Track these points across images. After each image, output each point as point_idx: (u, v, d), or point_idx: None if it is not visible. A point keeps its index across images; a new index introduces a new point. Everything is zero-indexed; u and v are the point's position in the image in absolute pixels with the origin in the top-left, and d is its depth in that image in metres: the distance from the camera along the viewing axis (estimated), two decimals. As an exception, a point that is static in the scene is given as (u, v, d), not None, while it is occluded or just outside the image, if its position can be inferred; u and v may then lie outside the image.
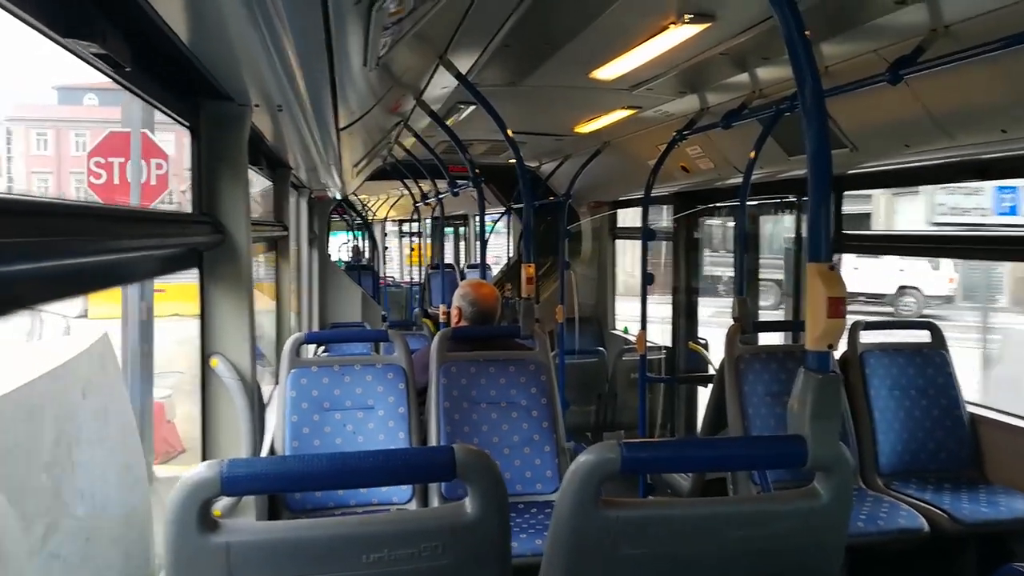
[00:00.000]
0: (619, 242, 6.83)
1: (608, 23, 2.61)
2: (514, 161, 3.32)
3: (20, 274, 0.83)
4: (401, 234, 10.87)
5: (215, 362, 1.99)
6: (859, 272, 13.39)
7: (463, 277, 10.27)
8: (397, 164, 6.50)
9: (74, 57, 1.10)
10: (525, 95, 3.82)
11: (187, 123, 1.82)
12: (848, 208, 3.90)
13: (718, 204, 5.02)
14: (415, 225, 11.05)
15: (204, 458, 2.04)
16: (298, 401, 2.85)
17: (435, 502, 2.78)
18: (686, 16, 2.49)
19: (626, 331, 6.37)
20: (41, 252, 0.89)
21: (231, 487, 1.11)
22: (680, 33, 2.64)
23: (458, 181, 5.89)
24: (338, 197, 7.68)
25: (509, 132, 3.19)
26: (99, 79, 1.31)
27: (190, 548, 1.12)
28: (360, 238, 13.18)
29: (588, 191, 6.27)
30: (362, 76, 2.07)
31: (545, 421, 2.93)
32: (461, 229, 13.05)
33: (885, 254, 11.11)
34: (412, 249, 11.30)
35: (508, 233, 9.59)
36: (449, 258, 12.62)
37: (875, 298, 14.15)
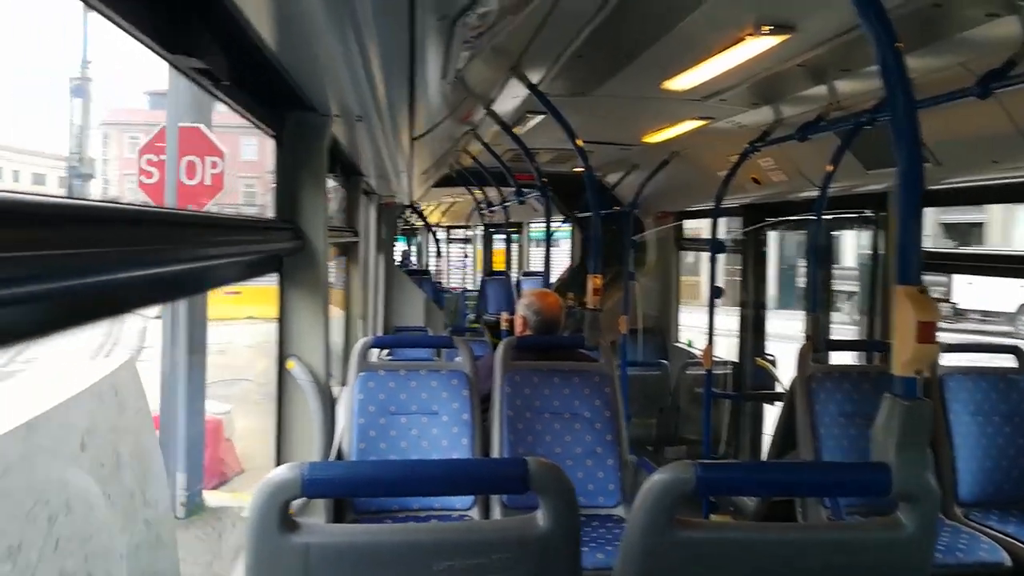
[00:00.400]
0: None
1: (684, 34, 2.59)
2: (579, 170, 3.32)
3: (115, 283, 0.85)
4: (450, 240, 10.97)
5: (291, 364, 2.04)
6: (973, 287, 12.60)
7: (518, 285, 10.31)
8: (463, 171, 6.57)
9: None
10: (594, 105, 3.82)
11: (272, 132, 1.88)
12: (954, 217, 3.76)
13: (792, 217, 4.91)
14: (463, 231, 11.13)
15: (278, 457, 2.10)
16: (366, 404, 2.90)
17: (497, 510, 2.79)
18: (765, 27, 2.45)
19: (690, 344, 6.28)
20: (136, 260, 0.92)
21: (311, 489, 1.14)
22: (757, 45, 2.60)
23: (523, 189, 5.92)
24: (405, 203, 7.81)
25: (579, 142, 3.19)
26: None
27: (270, 547, 1.16)
28: (406, 243, 13.31)
29: (654, 201, 6.21)
30: (439, 88, 2.11)
31: (608, 434, 2.91)
32: (514, 236, 13.10)
33: (973, 274, 10.60)
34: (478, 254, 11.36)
35: (571, 242, 9.57)
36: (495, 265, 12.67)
37: (991, 316, 13.24)
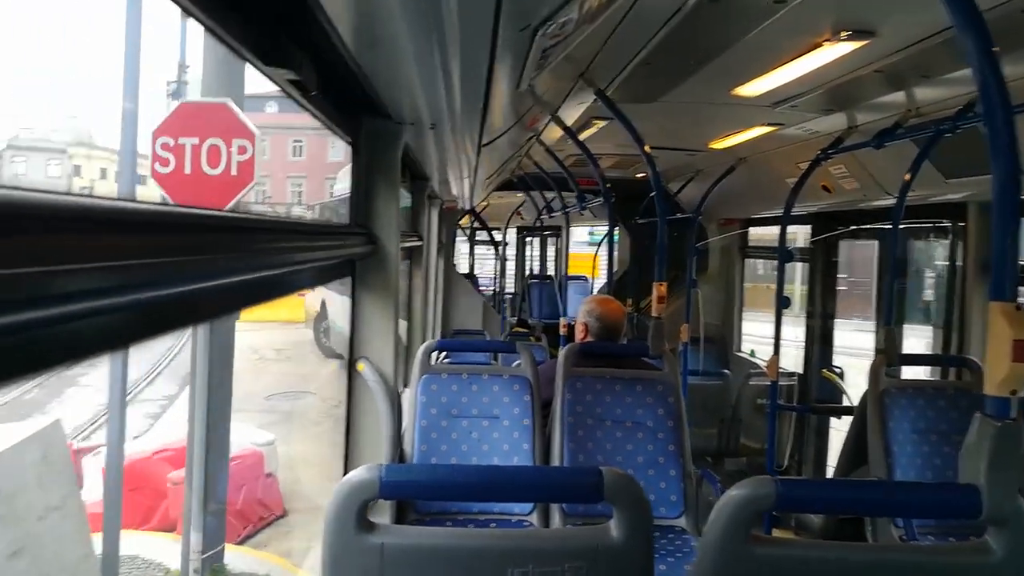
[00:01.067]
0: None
1: (758, 40, 2.55)
2: (641, 176, 3.30)
3: (197, 292, 0.84)
4: (494, 243, 11.01)
5: (361, 366, 2.08)
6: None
7: (562, 289, 10.23)
8: (524, 176, 6.59)
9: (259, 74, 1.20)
10: (661, 111, 3.79)
11: (349, 139, 1.92)
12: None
13: (865, 227, 4.77)
14: (507, 234, 11.11)
15: (347, 457, 2.14)
16: (428, 406, 2.93)
17: (556, 517, 2.79)
18: (843, 33, 2.39)
19: (752, 354, 6.16)
20: (217, 267, 0.90)
21: (388, 491, 1.16)
22: (834, 51, 2.55)
23: (584, 194, 5.90)
24: (466, 208, 7.87)
25: (646, 147, 3.17)
26: (275, 88, 1.37)
27: (347, 546, 1.19)
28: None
29: (718, 208, 6.12)
30: (511, 96, 2.12)
31: (671, 444, 2.88)
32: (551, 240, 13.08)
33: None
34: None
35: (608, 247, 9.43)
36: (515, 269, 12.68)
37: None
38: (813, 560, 1.16)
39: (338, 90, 1.68)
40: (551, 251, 12.70)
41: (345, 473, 2.29)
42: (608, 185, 4.08)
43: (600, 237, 9.30)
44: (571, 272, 7.93)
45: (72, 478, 4.87)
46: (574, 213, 7.75)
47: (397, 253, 2.10)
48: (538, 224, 10.27)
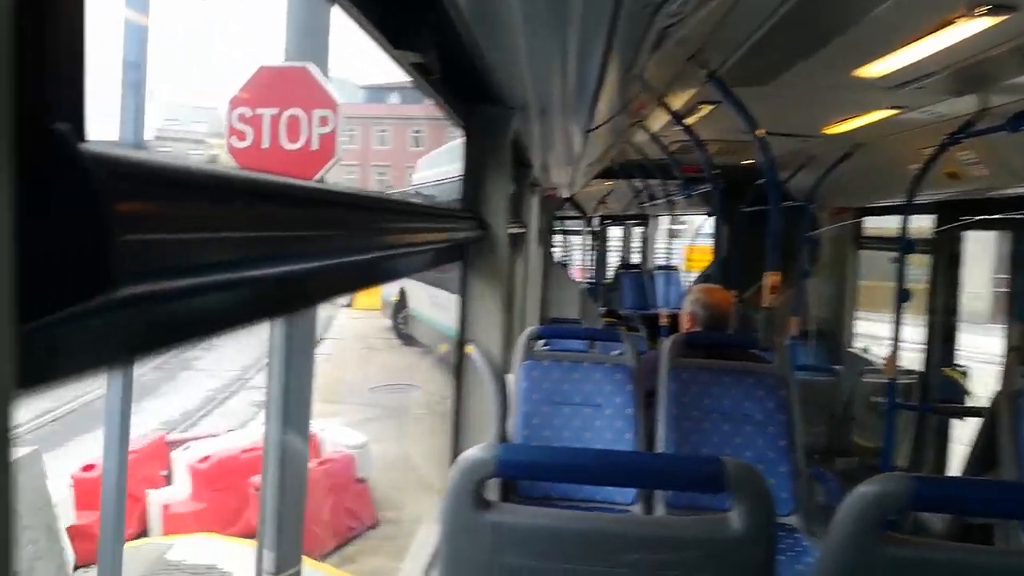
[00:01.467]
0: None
1: (883, 18, 2.41)
2: (749, 162, 3.19)
3: (314, 271, 0.81)
4: (593, 232, 10.93)
5: (470, 349, 2.12)
6: None
7: (652, 278, 10.03)
8: (625, 163, 6.51)
9: (378, 62, 1.22)
10: (773, 94, 3.64)
11: (463, 124, 1.95)
12: None
13: (996, 216, 4.45)
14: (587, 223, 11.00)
15: (455, 439, 2.19)
16: (530, 392, 2.95)
17: (660, 508, 2.75)
18: (979, 9, 2.23)
19: (866, 351, 5.87)
20: (342, 246, 0.88)
21: (505, 470, 1.18)
22: (968, 27, 2.38)
23: (689, 182, 5.77)
24: (565, 196, 7.86)
25: (759, 132, 3.06)
26: (399, 79, 1.39)
27: (463, 523, 1.21)
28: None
29: (831, 196, 5.85)
30: (622, 81, 2.10)
31: (782, 439, 2.79)
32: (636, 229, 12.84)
33: None
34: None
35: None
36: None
37: None
38: (949, 563, 1.10)
39: (455, 76, 1.70)
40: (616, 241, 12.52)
41: (454, 455, 2.34)
42: (717, 171, 3.97)
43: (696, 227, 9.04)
44: (694, 266, 7.77)
45: (53, 520, 4.52)
46: (658, 204, 7.62)
47: (506, 238, 2.12)
48: (636, 211, 10.13)
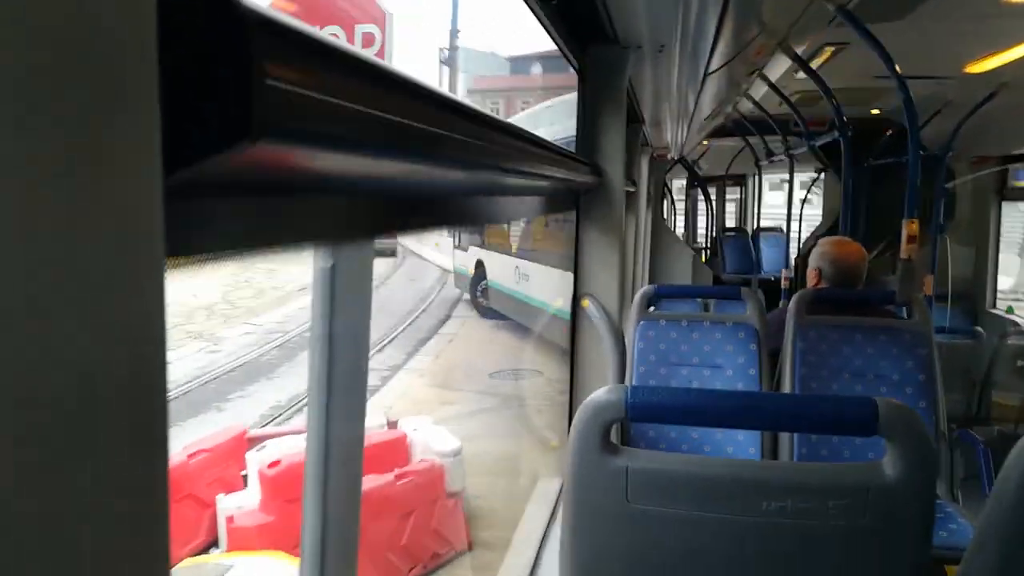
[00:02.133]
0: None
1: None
2: (876, 112, 2.93)
3: (444, 188, 0.79)
4: (706, 196, 10.55)
5: (586, 302, 2.06)
6: None
7: (755, 241, 9.56)
8: (740, 119, 6.21)
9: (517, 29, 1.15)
10: (908, 30, 3.34)
11: (576, 65, 1.87)
12: None
13: None
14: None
15: (572, 396, 2.14)
16: (645, 353, 2.86)
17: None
18: None
19: (1010, 311, 5.39)
20: (458, 155, 0.78)
21: (634, 412, 1.12)
22: None
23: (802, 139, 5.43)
24: (675, 157, 7.61)
25: (899, 68, 2.81)
26: (542, 48, 1.31)
27: (591, 467, 1.16)
28: None
29: (970, 144, 5.38)
30: (744, 14, 1.96)
31: (922, 400, 2.58)
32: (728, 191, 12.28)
33: None
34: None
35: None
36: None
37: None
38: None
39: (569, 12, 1.63)
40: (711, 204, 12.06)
41: (571, 412, 2.30)
42: (845, 118, 3.69)
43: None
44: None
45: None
46: (776, 160, 7.23)
47: (622, 187, 2.03)
48: (736, 172, 9.73)
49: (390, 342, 11.34)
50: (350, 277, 1.04)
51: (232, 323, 12.57)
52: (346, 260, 1.03)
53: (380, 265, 20.66)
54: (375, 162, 0.56)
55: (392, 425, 5.43)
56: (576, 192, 1.94)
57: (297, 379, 9.24)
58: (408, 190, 0.76)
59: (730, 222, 12.44)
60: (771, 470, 1.14)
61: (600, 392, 1.15)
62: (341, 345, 1.06)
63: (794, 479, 1.10)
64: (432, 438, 5.13)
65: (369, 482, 4.28)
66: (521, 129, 1.10)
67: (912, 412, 1.05)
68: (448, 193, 0.86)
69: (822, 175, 8.06)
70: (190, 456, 4.65)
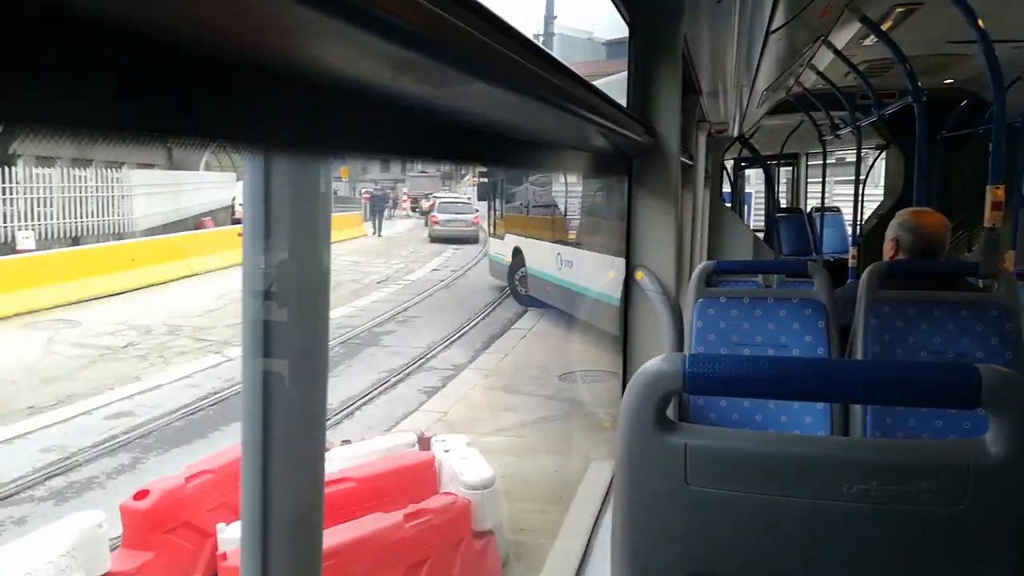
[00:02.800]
0: None
1: None
2: (949, 82, 2.70)
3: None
4: (767, 174, 10.24)
5: (640, 275, 1.93)
6: None
7: (811, 221, 9.26)
8: (803, 92, 5.93)
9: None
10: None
11: (627, 18, 1.74)
12: None
13: None
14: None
15: (624, 373, 2.02)
16: (704, 332, 2.71)
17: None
18: None
19: None
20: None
21: (693, 384, 0.99)
22: None
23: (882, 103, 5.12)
24: (733, 135, 7.35)
25: (981, 22, 2.59)
26: None
27: (645, 445, 1.04)
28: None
29: None
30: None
31: None
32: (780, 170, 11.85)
33: None
34: None
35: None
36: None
37: None
38: None
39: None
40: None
41: (624, 392, 2.17)
42: (920, 83, 3.45)
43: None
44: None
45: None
46: (841, 133, 6.90)
47: (678, 152, 1.90)
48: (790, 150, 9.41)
49: (461, 336, 10.91)
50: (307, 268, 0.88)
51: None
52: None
53: (458, 255, 20.27)
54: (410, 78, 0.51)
55: (424, 443, 4.59)
56: (628, 156, 1.82)
57: (351, 380, 8.54)
58: (437, 112, 0.66)
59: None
60: (852, 448, 1.00)
61: (654, 361, 1.03)
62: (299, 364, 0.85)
63: (880, 458, 0.96)
64: (464, 460, 4.28)
65: (371, 524, 3.53)
66: (565, 64, 0.98)
67: (1022, 380, 0.91)
68: (486, 124, 0.76)
69: (883, 152, 7.72)
70: (188, 480, 3.91)
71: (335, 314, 11.50)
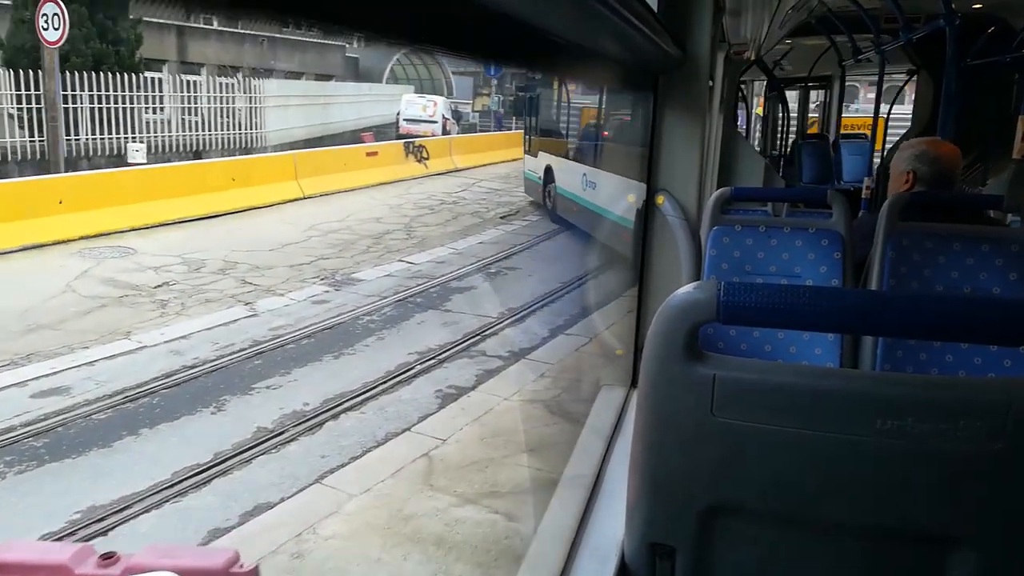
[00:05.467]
0: None
1: None
2: (978, 6, 2.55)
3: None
4: (783, 101, 9.97)
5: (660, 199, 1.87)
6: None
7: (835, 148, 9.09)
8: (827, 15, 5.70)
9: None
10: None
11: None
12: None
13: None
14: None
15: (640, 301, 1.98)
16: (718, 260, 2.66)
17: None
18: None
19: None
20: None
21: (728, 312, 0.95)
22: None
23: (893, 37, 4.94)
24: (751, 57, 7.13)
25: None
26: None
27: (673, 375, 1.01)
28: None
29: None
30: None
31: None
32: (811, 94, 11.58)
33: None
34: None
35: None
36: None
37: None
38: None
39: None
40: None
41: (639, 319, 2.14)
42: (952, 5, 3.29)
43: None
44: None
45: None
46: (863, 58, 6.69)
47: (708, 69, 1.80)
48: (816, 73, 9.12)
49: (549, 303, 8.44)
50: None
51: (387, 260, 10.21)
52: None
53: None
54: None
55: None
56: (654, 72, 1.72)
57: (371, 364, 6.43)
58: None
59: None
60: (887, 383, 0.97)
61: (688, 289, 0.99)
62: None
63: (915, 394, 0.94)
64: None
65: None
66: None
67: None
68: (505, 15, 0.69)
69: (914, 78, 7.47)
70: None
71: (416, 260, 10.11)
